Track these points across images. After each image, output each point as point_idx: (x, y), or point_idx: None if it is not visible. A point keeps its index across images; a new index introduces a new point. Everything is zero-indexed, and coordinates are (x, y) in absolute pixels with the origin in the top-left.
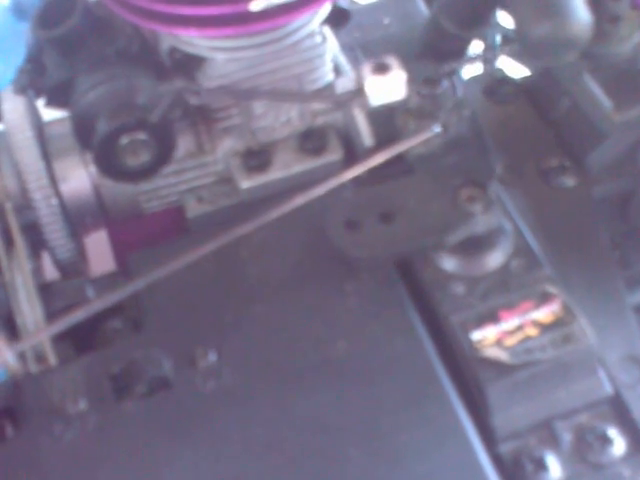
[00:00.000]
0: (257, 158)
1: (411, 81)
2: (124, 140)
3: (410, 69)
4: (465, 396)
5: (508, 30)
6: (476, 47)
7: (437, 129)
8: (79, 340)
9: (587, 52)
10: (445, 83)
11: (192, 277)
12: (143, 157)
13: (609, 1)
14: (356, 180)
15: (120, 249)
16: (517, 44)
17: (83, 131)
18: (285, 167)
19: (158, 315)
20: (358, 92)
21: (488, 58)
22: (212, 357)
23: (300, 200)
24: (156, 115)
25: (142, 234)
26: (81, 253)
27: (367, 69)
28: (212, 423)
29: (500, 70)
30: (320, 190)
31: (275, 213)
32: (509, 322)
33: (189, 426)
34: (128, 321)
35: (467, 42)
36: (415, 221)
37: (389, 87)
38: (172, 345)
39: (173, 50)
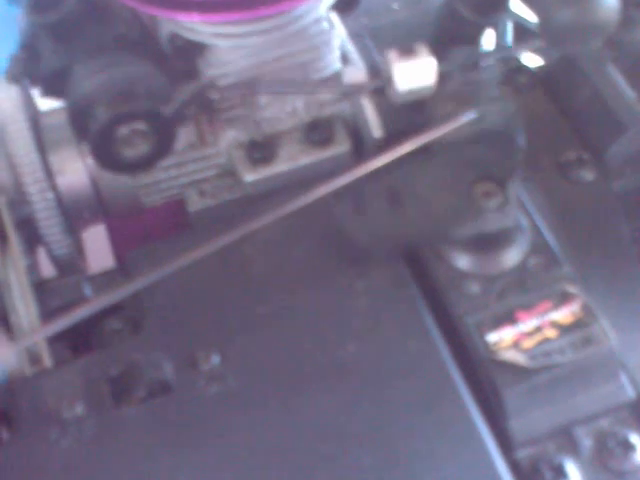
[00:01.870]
0: (261, 150)
1: (448, 66)
2: (123, 130)
3: (448, 53)
4: (481, 401)
5: (522, 18)
6: (489, 37)
7: (471, 116)
8: (76, 341)
9: (612, 39)
10: (492, 70)
11: (194, 275)
12: (141, 148)
13: None
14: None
15: (119, 245)
16: (535, 33)
17: (80, 121)
18: (291, 159)
19: (158, 315)
20: (385, 79)
21: (503, 48)
22: (215, 360)
23: (313, 194)
24: (171, 109)
25: (142, 229)
26: (79, 249)
27: (393, 54)
28: (215, 429)
29: (516, 59)
30: (335, 184)
31: (284, 209)
32: (527, 323)
33: (191, 432)
34: (127, 321)
35: (481, 29)
36: (423, 208)
37: (418, 73)
38: (173, 347)
39: (174, 37)
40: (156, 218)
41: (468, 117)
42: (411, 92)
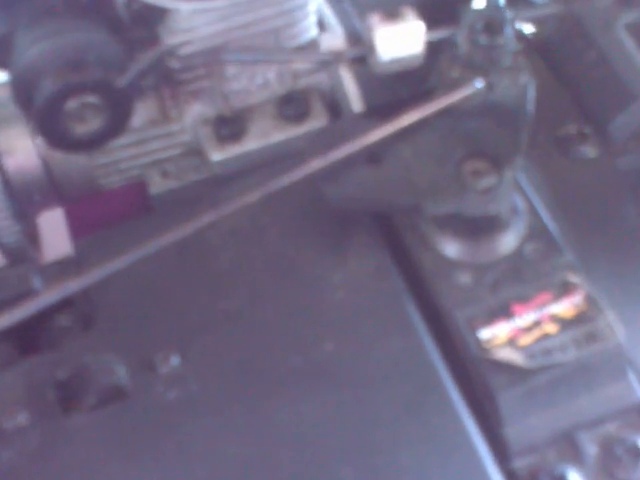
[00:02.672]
0: (230, 126)
1: (466, 26)
2: (72, 103)
3: (465, 12)
4: (473, 405)
5: None
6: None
7: (480, 86)
8: (21, 340)
9: None
10: (508, 34)
11: (152, 266)
12: (94, 124)
13: None
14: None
15: (77, 230)
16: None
17: (24, 94)
18: (262, 136)
19: (112, 311)
20: (366, 47)
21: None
22: (174, 361)
23: (294, 176)
24: (125, 80)
25: (100, 213)
26: (31, 236)
27: (376, 18)
28: (175, 439)
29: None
30: (316, 165)
31: (255, 194)
32: (523, 318)
33: (148, 443)
34: (78, 318)
35: None
36: (402, 172)
37: (403, 38)
38: (128, 347)
39: (130, 0)
40: (116, 201)
41: (475, 86)
42: (396, 61)
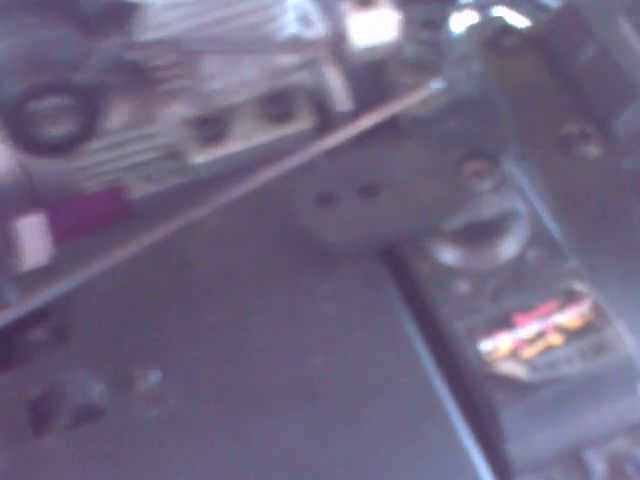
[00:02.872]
0: (211, 127)
1: (408, 25)
2: (39, 105)
3: (406, 10)
4: (473, 421)
5: None
6: None
7: (438, 85)
8: None
9: None
10: (449, 28)
11: (132, 276)
12: (65, 126)
13: None
14: (335, 150)
15: (57, 236)
16: None
17: None
18: (245, 138)
19: (88, 324)
20: (338, 36)
21: (482, 3)
22: (154, 378)
23: (267, 175)
24: (85, 76)
25: (80, 218)
26: (8, 242)
27: (348, 5)
28: (154, 461)
29: (501, 18)
30: (290, 163)
31: (233, 193)
32: (526, 328)
33: (126, 465)
34: (54, 331)
35: None
36: (405, 198)
37: (376, 25)
38: (104, 363)
39: None
40: (96, 206)
41: (432, 87)
42: (370, 50)
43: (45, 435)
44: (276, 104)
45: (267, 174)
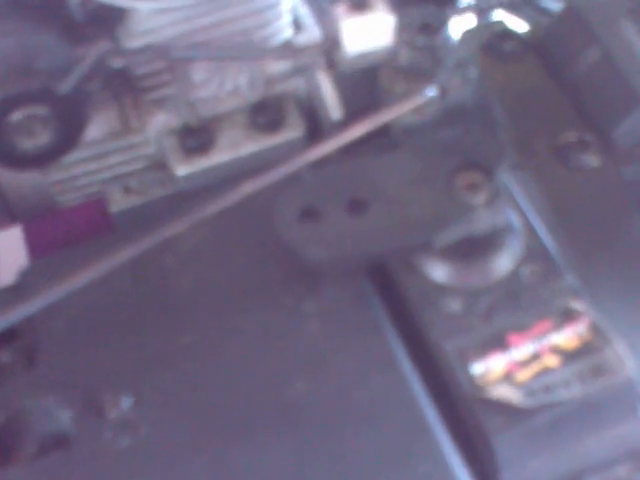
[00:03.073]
0: (197, 137)
1: (403, 29)
2: (17, 115)
3: (400, 14)
4: (466, 449)
5: None
6: None
7: (432, 93)
8: None
9: None
10: (447, 32)
11: (104, 293)
12: (42, 138)
13: None
14: (323, 161)
15: (36, 250)
16: None
17: None
18: (232, 148)
19: (57, 345)
20: (330, 41)
21: (481, 6)
22: (125, 403)
23: (251, 187)
24: (67, 85)
25: (58, 232)
26: None
27: (342, 9)
28: None
29: (500, 22)
30: (276, 175)
31: (215, 206)
32: (521, 349)
33: None
34: (20, 353)
35: None
36: (394, 213)
37: (371, 30)
38: (73, 387)
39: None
40: (76, 219)
41: (425, 94)
42: (363, 56)
43: (10, 465)
44: (265, 112)
45: (251, 186)
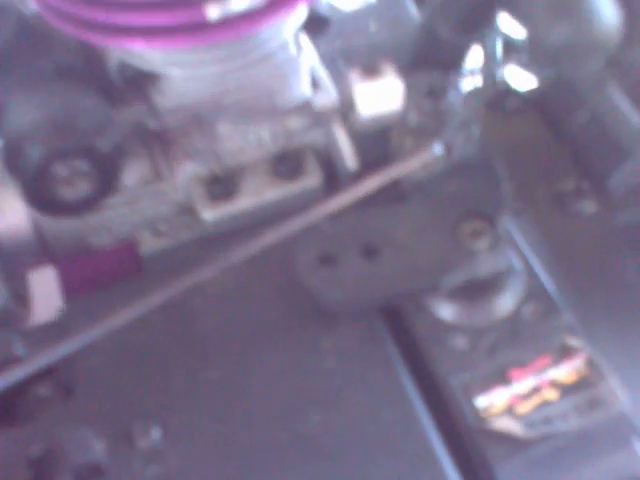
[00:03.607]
0: (223, 185)
1: (411, 94)
2: (59, 169)
3: (408, 79)
4: (469, 477)
5: (511, 37)
6: (474, 57)
7: (439, 150)
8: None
9: (613, 59)
10: (452, 96)
11: (136, 332)
12: (82, 188)
13: None
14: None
15: (69, 289)
16: (526, 52)
17: (14, 159)
18: (255, 195)
19: (92, 380)
20: (345, 104)
21: (490, 69)
22: (155, 435)
23: (272, 236)
24: (107, 143)
25: (91, 273)
26: (19, 295)
27: (355, 74)
28: None
29: (504, 82)
30: (295, 224)
31: (239, 253)
32: (522, 384)
33: None
34: (59, 387)
35: (464, 50)
36: (405, 258)
37: (382, 95)
38: (106, 419)
39: (123, 66)
40: (108, 260)
41: (432, 151)
42: (376, 118)
43: None
44: (285, 162)
45: (274, 234)
